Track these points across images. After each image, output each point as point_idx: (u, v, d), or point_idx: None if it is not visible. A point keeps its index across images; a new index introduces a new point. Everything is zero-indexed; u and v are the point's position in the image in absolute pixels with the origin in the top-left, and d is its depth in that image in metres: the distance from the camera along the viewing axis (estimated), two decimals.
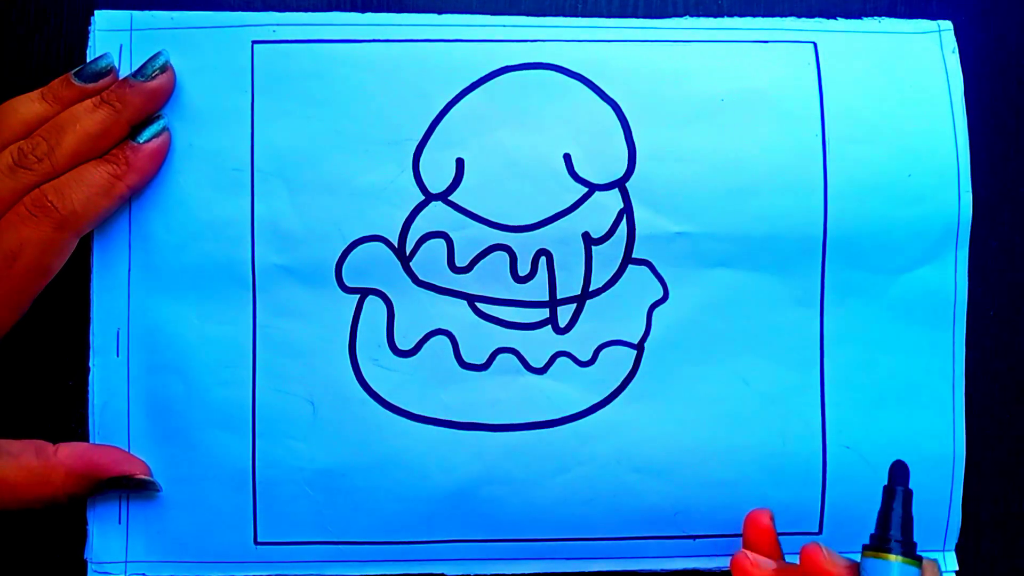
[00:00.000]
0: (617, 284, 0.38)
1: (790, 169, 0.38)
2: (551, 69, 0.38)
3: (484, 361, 0.38)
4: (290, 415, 0.38)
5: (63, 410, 0.39)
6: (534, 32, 0.39)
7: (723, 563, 0.39)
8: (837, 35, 0.39)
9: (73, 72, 0.36)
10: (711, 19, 0.39)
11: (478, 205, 0.38)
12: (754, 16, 0.40)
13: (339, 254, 0.38)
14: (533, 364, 0.38)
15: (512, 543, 0.39)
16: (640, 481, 0.38)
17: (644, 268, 0.38)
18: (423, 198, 0.38)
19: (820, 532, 0.39)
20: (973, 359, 0.40)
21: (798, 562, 0.34)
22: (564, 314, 0.38)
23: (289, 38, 0.38)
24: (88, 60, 0.37)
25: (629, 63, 0.39)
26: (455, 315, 0.38)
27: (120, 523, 0.38)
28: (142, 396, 0.38)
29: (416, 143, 0.38)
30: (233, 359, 0.38)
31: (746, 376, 0.39)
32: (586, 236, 0.38)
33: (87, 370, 0.38)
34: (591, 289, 0.38)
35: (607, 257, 0.38)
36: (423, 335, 0.38)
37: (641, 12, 0.40)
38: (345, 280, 0.38)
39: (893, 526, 0.33)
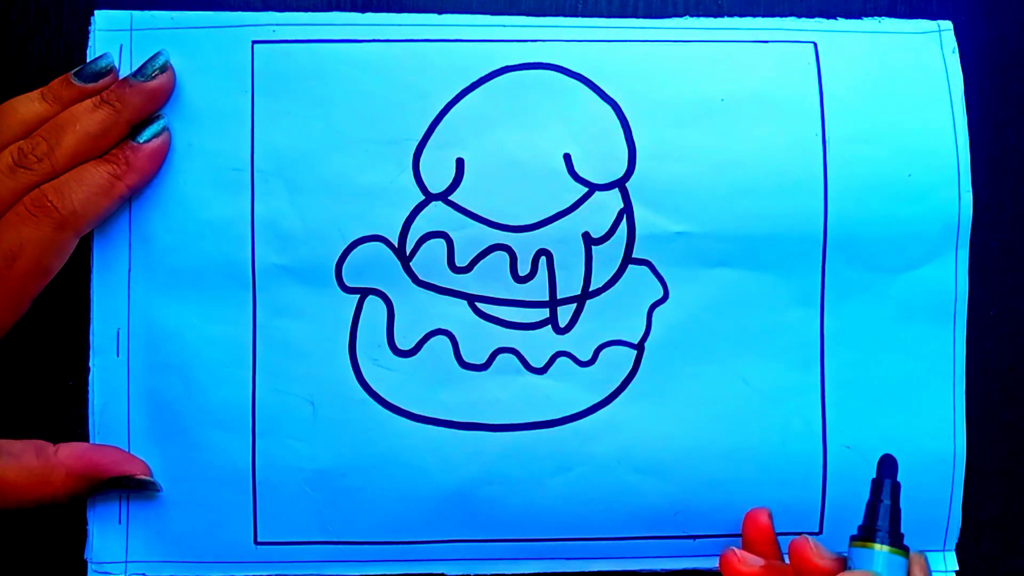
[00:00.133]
0: (617, 284, 0.38)
1: (790, 169, 0.38)
2: (551, 69, 0.38)
3: (484, 361, 0.38)
4: (290, 415, 0.38)
5: (63, 410, 0.39)
6: (534, 32, 0.39)
7: None
8: (837, 35, 0.39)
9: (73, 72, 0.36)
10: (711, 19, 0.39)
11: (478, 205, 0.38)
12: (754, 16, 0.40)
13: (339, 254, 0.38)
14: (533, 364, 0.38)
15: (512, 543, 0.39)
16: (640, 481, 0.38)
17: (644, 268, 0.38)
18: (423, 198, 0.38)
19: (820, 532, 0.39)
20: (973, 359, 0.40)
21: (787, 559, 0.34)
22: (564, 314, 0.38)
23: (289, 38, 0.38)
24: (88, 60, 0.37)
25: (629, 63, 0.39)
26: (455, 315, 0.38)
27: (120, 523, 0.38)
28: (142, 396, 0.38)
29: (416, 143, 0.38)
30: (233, 359, 0.38)
31: (746, 376, 0.39)
32: (586, 236, 0.38)
33: (87, 370, 0.38)
34: (591, 289, 0.38)
35: (607, 257, 0.38)
36: (423, 335, 0.38)
37: (641, 12, 0.40)
38: (345, 280, 0.38)
39: (880, 517, 0.34)
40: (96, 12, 0.38)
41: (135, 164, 0.36)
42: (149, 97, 0.37)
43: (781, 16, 0.40)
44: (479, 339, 0.38)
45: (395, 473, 0.38)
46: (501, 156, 0.38)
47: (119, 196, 0.36)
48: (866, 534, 0.34)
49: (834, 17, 0.40)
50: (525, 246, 0.38)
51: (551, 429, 0.38)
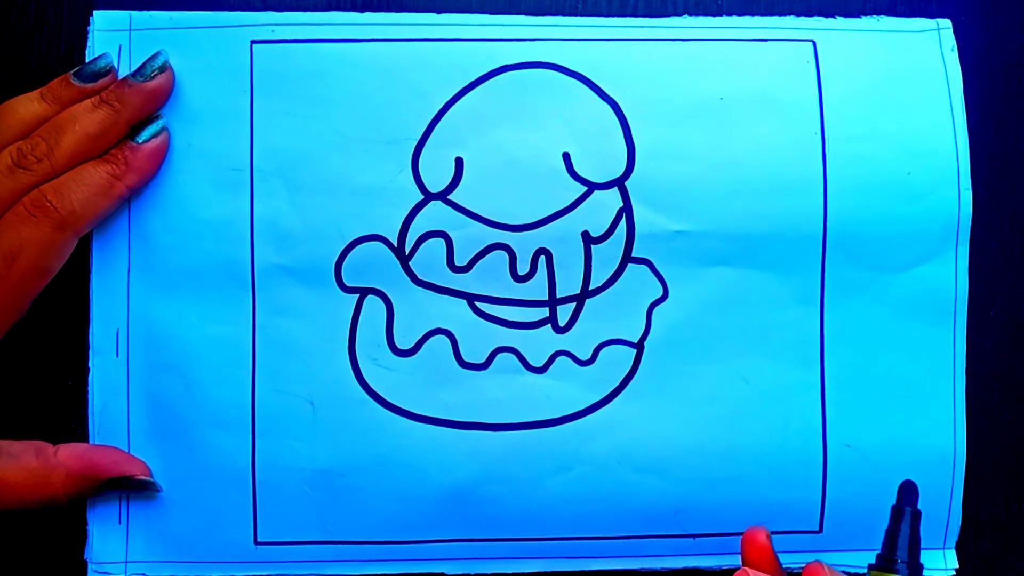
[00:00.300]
0: (617, 283, 0.38)
1: (789, 167, 0.38)
2: (550, 68, 0.38)
3: (484, 360, 0.38)
4: (290, 415, 0.38)
5: (63, 410, 0.39)
6: (533, 31, 0.39)
7: (723, 562, 0.39)
8: (836, 33, 0.39)
9: (72, 72, 0.36)
10: (710, 18, 0.39)
11: (477, 204, 0.38)
12: (753, 15, 0.40)
13: (338, 254, 0.38)
14: (533, 363, 0.38)
15: (512, 542, 0.39)
16: (640, 480, 0.38)
17: (644, 267, 0.38)
18: (422, 197, 0.38)
19: (820, 531, 0.39)
20: (973, 359, 0.40)
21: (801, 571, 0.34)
22: (564, 313, 0.38)
23: (288, 38, 0.38)
24: (87, 60, 0.37)
25: (628, 62, 0.39)
26: (454, 314, 0.38)
27: (120, 523, 0.38)
28: (142, 396, 0.38)
29: (415, 142, 0.38)
30: (233, 359, 0.38)
31: (746, 375, 0.39)
32: (585, 235, 0.38)
33: (87, 370, 0.38)
34: (591, 288, 0.38)
35: (606, 256, 0.38)
36: (423, 334, 0.38)
37: (641, 11, 0.40)
38: (344, 280, 0.38)
39: (900, 547, 0.34)
40: (95, 12, 0.38)
41: (134, 164, 0.36)
42: (148, 97, 0.37)
43: (780, 15, 0.40)
44: (478, 338, 0.38)
45: (395, 473, 0.38)
46: (500, 155, 0.38)
47: (118, 196, 0.36)
48: (885, 564, 0.33)
49: (833, 16, 0.40)
50: (524, 245, 0.38)
51: (551, 428, 0.38)
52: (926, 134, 0.39)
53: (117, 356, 0.38)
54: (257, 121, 0.38)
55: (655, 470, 0.38)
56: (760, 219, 0.38)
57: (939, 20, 0.40)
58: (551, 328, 0.38)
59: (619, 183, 0.38)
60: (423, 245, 0.38)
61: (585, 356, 0.38)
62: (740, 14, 0.40)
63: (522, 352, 0.38)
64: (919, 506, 0.34)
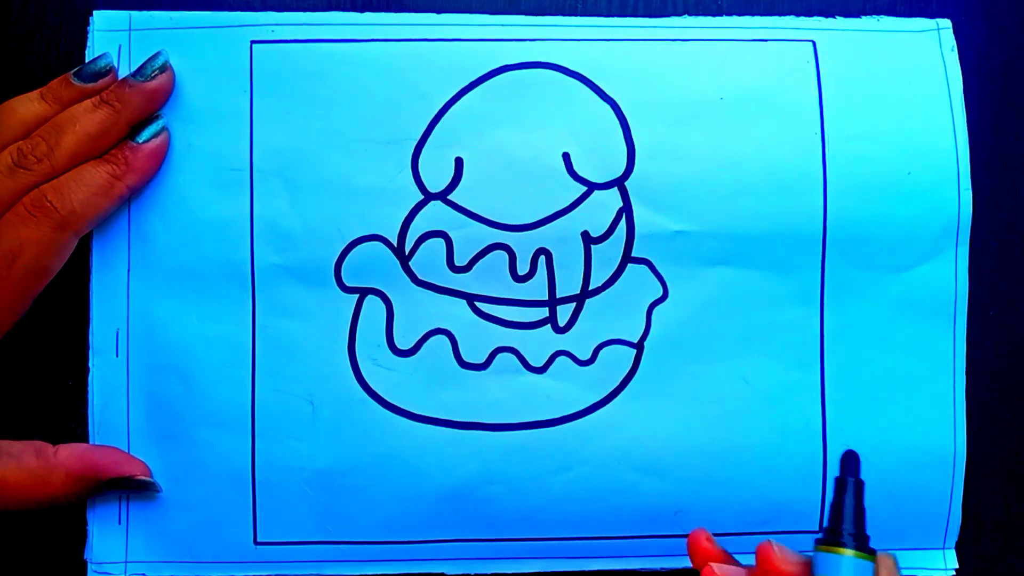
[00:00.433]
0: (617, 283, 0.38)
1: (789, 167, 0.38)
2: (550, 68, 0.38)
3: (483, 360, 0.38)
4: (290, 415, 0.38)
5: (63, 410, 0.39)
6: (533, 31, 0.39)
7: None
8: (836, 33, 0.39)
9: (72, 72, 0.37)
10: (710, 18, 0.39)
11: (477, 204, 0.38)
12: (753, 15, 0.40)
13: (338, 254, 0.38)
14: (533, 363, 0.38)
15: (512, 542, 0.39)
16: (640, 480, 0.38)
17: (643, 267, 0.38)
18: (422, 197, 0.38)
19: (820, 531, 0.39)
20: (973, 359, 0.40)
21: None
22: (563, 313, 0.38)
23: (288, 38, 0.38)
24: (87, 60, 0.37)
25: (628, 62, 0.39)
26: (454, 314, 0.38)
27: (120, 523, 0.38)
28: (142, 396, 0.38)
29: (415, 142, 0.38)
30: (233, 359, 0.38)
31: (746, 375, 0.39)
32: (585, 235, 0.38)
33: (87, 370, 0.38)
34: (590, 288, 0.38)
35: (606, 256, 0.38)
36: (422, 335, 0.38)
37: (640, 11, 0.40)
38: (344, 280, 0.38)
39: (845, 519, 0.32)
40: (95, 12, 0.38)
41: (134, 164, 0.36)
42: (148, 97, 0.37)
43: (780, 15, 0.40)
44: (478, 338, 0.38)
45: (395, 473, 0.38)
46: (500, 155, 0.38)
47: (118, 196, 0.36)
48: (831, 537, 0.32)
49: (833, 16, 0.40)
50: (524, 245, 0.38)
51: (551, 428, 0.38)
52: (926, 134, 0.39)
53: (117, 356, 0.38)
54: (257, 121, 0.38)
55: (655, 470, 0.38)
56: (760, 219, 0.38)
57: (939, 20, 0.40)
58: (551, 328, 0.38)
59: (619, 183, 0.38)
60: (423, 245, 0.38)
61: (585, 356, 0.38)
62: (740, 14, 0.40)
63: (522, 352, 0.38)
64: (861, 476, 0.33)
